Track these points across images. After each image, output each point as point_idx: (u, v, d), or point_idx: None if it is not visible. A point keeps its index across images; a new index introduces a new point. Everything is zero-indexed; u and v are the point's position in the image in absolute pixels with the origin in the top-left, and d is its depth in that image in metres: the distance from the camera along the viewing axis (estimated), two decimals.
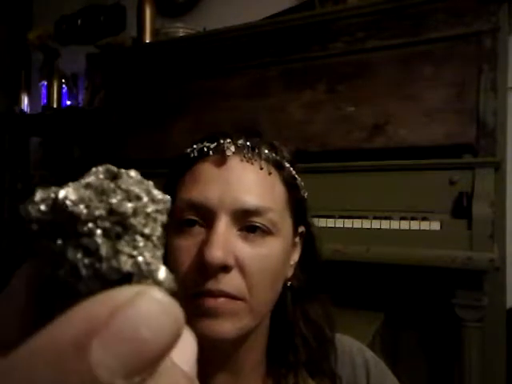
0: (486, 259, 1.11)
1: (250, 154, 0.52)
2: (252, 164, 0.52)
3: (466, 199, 1.23)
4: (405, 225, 1.24)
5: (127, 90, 1.95)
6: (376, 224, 1.28)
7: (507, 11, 1.33)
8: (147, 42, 1.98)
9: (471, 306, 1.16)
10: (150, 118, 1.83)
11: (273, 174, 0.54)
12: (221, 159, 0.52)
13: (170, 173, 0.57)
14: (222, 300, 0.48)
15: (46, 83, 2.42)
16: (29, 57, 2.70)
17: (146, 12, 2.00)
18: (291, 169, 0.56)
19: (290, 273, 0.57)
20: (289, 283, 0.57)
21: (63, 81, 2.42)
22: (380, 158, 1.38)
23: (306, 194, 0.58)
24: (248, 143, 0.53)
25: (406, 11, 1.42)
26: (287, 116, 1.54)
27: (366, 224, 1.29)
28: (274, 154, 0.55)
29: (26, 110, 2.54)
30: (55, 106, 2.37)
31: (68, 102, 2.43)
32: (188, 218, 0.51)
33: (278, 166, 0.55)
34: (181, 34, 1.97)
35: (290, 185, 0.56)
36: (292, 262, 0.57)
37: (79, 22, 2.52)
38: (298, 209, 0.57)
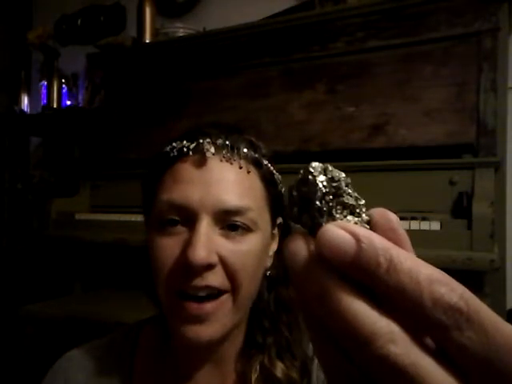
0: (486, 259, 1.11)
1: (229, 154, 0.53)
2: (231, 164, 0.53)
3: (466, 199, 1.23)
4: (405, 225, 1.24)
5: (127, 90, 1.95)
6: None
7: (507, 11, 1.33)
8: (147, 41, 1.98)
9: None
10: (150, 117, 1.83)
11: (252, 173, 0.55)
12: (201, 160, 0.53)
13: (150, 171, 0.57)
14: (205, 305, 0.50)
15: (45, 83, 2.42)
16: (29, 57, 2.69)
17: (146, 12, 2.00)
18: (269, 165, 0.58)
19: (269, 263, 0.58)
20: (268, 273, 0.58)
21: (63, 81, 2.41)
22: (380, 158, 1.38)
23: (283, 189, 0.60)
24: (227, 142, 0.54)
25: (406, 11, 1.42)
26: (287, 116, 1.54)
27: None
28: (252, 152, 0.55)
29: (26, 109, 2.54)
30: (55, 105, 2.37)
31: (68, 102, 2.42)
32: (170, 218, 0.52)
33: (257, 164, 0.56)
34: (181, 34, 1.97)
35: (268, 181, 0.57)
36: (271, 253, 0.59)
37: (79, 21, 2.52)
38: (276, 203, 0.58)
